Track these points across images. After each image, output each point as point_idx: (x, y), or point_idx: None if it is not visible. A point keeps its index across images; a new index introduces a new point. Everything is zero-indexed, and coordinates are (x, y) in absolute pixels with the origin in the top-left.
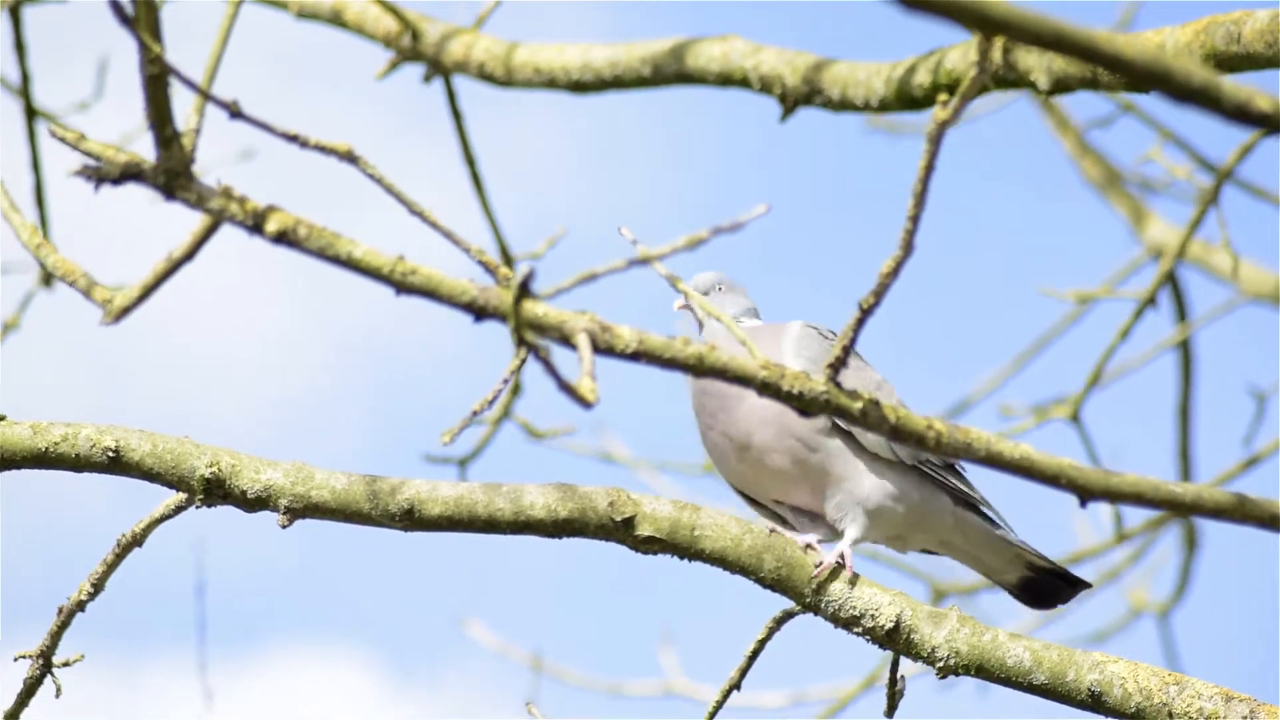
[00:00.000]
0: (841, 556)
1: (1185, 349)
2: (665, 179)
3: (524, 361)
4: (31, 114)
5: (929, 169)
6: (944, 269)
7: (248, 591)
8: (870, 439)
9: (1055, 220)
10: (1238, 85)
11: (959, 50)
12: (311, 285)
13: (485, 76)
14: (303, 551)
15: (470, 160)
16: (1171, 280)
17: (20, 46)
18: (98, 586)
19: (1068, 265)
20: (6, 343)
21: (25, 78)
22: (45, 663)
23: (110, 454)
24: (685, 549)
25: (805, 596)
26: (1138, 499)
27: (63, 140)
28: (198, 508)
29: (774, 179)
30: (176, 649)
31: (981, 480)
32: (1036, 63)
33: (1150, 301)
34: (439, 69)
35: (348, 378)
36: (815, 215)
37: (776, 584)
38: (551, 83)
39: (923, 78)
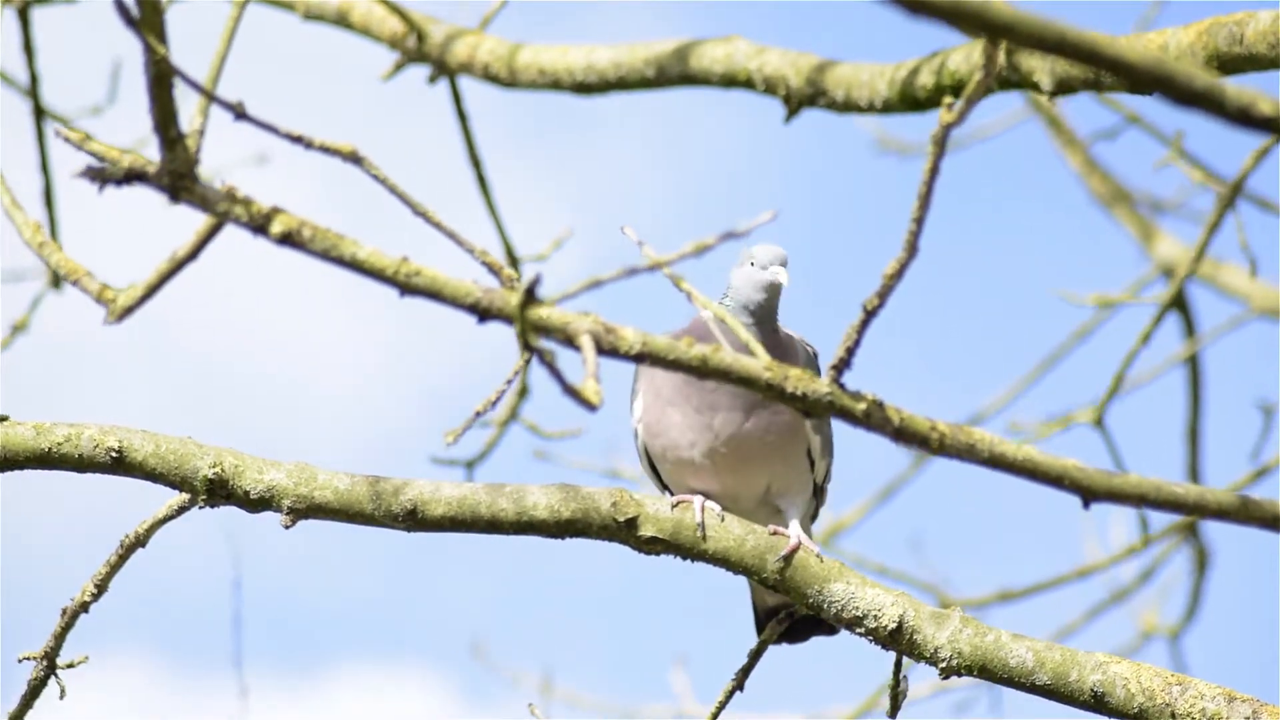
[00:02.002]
0: (801, 540)
1: (1194, 365)
2: (668, 182)
3: (528, 363)
4: (41, 116)
5: (934, 171)
6: (954, 286)
7: (321, 608)
8: (820, 469)
9: (1063, 238)
10: (1240, 88)
11: (962, 52)
12: (408, 320)
13: (490, 78)
14: (380, 568)
15: (476, 161)
16: (1180, 296)
17: (29, 48)
18: (101, 587)
19: (1077, 283)
20: (95, 355)
21: (34, 79)
22: (49, 664)
23: (113, 454)
24: (688, 549)
25: (808, 597)
26: (1141, 500)
27: (68, 140)
28: (200, 508)
29: (779, 181)
30: (256, 659)
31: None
32: (1039, 64)
33: (1172, 304)
34: (444, 70)
35: (436, 413)
36: (821, 217)
37: (779, 584)
38: (555, 84)
39: (926, 79)
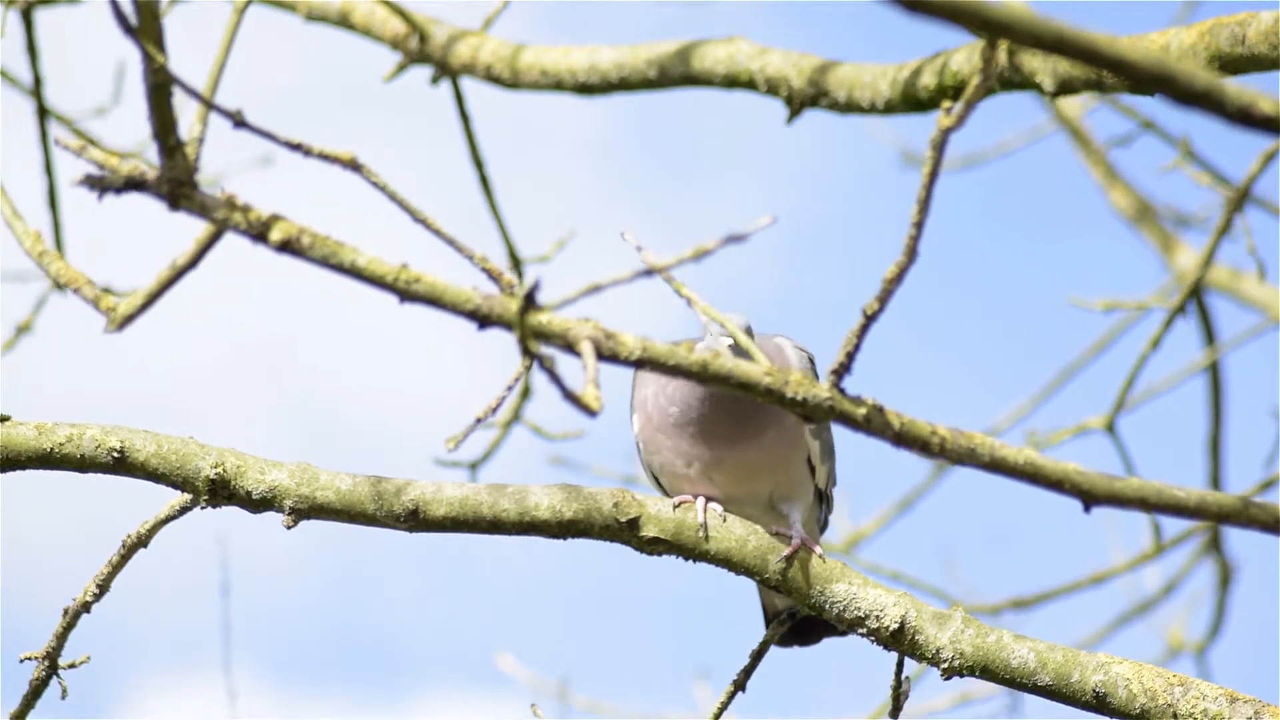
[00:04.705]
0: (804, 540)
1: (1215, 373)
2: (668, 183)
3: (528, 370)
4: (44, 117)
5: (933, 175)
6: (981, 297)
7: (401, 629)
8: (821, 474)
9: (1088, 251)
10: (1241, 88)
11: (964, 52)
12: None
13: (492, 79)
14: (464, 588)
15: (479, 163)
16: (1199, 304)
17: (32, 49)
18: (103, 587)
19: (1100, 295)
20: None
21: (38, 80)
22: (51, 664)
23: (115, 454)
24: (690, 550)
25: (810, 598)
26: (1142, 504)
27: (67, 149)
28: (202, 508)
29: (777, 185)
30: (334, 683)
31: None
32: (1041, 65)
33: (1180, 310)
34: (446, 71)
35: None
36: (820, 222)
37: (781, 584)
38: (558, 85)
39: (928, 80)
